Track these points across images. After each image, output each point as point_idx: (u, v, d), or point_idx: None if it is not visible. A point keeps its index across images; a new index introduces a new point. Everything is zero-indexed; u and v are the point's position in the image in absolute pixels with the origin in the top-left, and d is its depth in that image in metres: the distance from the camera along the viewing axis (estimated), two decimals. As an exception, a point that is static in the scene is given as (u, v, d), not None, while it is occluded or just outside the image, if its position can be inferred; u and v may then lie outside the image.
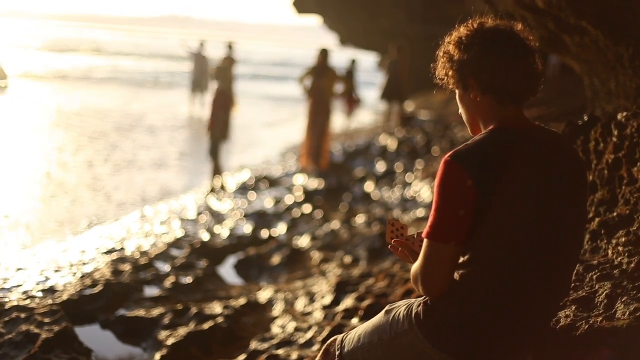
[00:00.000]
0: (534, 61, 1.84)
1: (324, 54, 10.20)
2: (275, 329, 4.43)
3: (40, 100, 18.16)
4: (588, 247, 2.77)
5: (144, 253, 5.89)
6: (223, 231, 6.95)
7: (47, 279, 5.05)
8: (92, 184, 8.94)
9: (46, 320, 4.07)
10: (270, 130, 15.86)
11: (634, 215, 2.71)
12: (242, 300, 4.87)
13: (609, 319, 2.08)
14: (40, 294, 4.66)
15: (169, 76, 30.01)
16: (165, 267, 5.58)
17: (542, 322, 1.92)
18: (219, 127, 8.93)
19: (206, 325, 4.32)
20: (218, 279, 5.60)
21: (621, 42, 3.96)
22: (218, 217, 7.53)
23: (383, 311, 2.05)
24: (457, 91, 1.95)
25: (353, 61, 16.03)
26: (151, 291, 5.08)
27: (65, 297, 4.62)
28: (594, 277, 2.42)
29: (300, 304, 4.78)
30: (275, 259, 6.04)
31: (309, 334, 4.08)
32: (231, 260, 6.23)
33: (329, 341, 2.21)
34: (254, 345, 4.09)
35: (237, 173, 10.24)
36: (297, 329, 4.26)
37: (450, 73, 1.90)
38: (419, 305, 1.91)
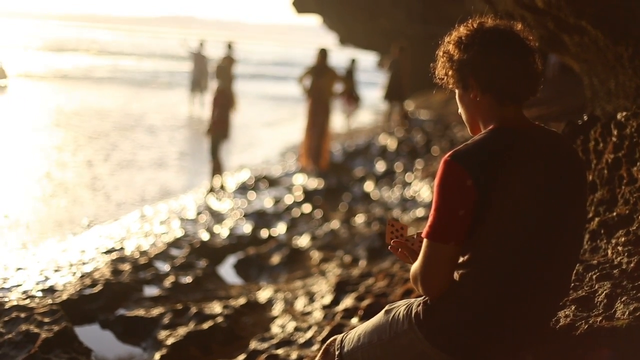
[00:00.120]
0: (533, 61, 1.84)
1: (323, 54, 10.20)
2: (275, 328, 4.43)
3: (40, 100, 18.16)
4: (588, 246, 2.77)
5: (143, 253, 5.89)
6: (223, 231, 6.95)
7: (47, 278, 5.06)
8: (92, 183, 8.94)
9: (46, 320, 4.07)
10: (270, 130, 15.85)
11: (633, 215, 2.71)
12: (241, 300, 4.87)
13: (608, 319, 2.08)
14: (40, 294, 4.66)
15: (168, 76, 30.00)
16: (165, 267, 5.58)
17: (542, 322, 1.91)
18: (219, 127, 8.93)
19: (206, 325, 4.32)
20: (218, 279, 5.60)
21: (621, 41, 3.97)
22: (218, 217, 7.53)
23: (383, 311, 2.05)
24: (457, 91, 1.94)
25: (353, 61, 16.02)
26: (151, 291, 5.09)
27: (65, 296, 4.63)
28: (594, 277, 2.42)
29: (300, 304, 4.78)
30: (275, 259, 6.04)
31: (309, 334, 4.08)
32: (231, 260, 6.24)
33: (328, 341, 2.21)
34: (253, 345, 4.09)
35: (237, 173, 10.24)
36: (296, 329, 4.26)
37: (450, 73, 1.90)
38: (418, 305, 1.91)
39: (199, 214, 7.61)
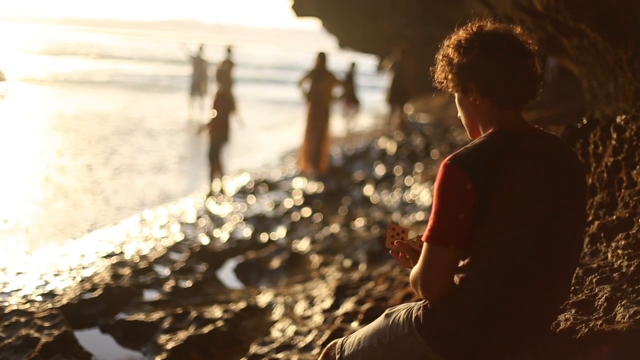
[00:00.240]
0: (533, 64, 1.84)
1: (322, 57, 10.21)
2: (275, 332, 4.42)
3: (40, 104, 18.16)
4: (588, 250, 2.77)
5: (143, 257, 5.89)
6: (223, 235, 6.94)
7: (46, 283, 5.05)
8: (92, 188, 8.94)
9: (46, 324, 4.06)
10: (270, 133, 15.85)
11: (633, 219, 2.71)
12: (241, 304, 4.86)
13: (608, 322, 2.08)
14: (40, 298, 4.66)
15: (168, 80, 30.02)
16: (164, 271, 5.58)
17: (542, 326, 1.91)
18: (219, 130, 8.93)
19: (206, 329, 4.32)
20: (218, 283, 5.59)
21: (620, 44, 3.97)
22: (217, 221, 7.52)
23: (383, 315, 2.05)
24: (456, 94, 1.95)
25: (353, 64, 16.03)
26: (151, 295, 5.08)
27: (65, 301, 4.62)
28: (594, 280, 2.42)
29: (300, 308, 4.78)
30: (275, 263, 6.03)
31: (309, 338, 4.07)
32: (231, 264, 6.23)
33: (329, 345, 2.21)
34: (253, 349, 4.09)
35: (237, 177, 10.24)
36: (297, 333, 4.26)
37: (449, 76, 1.90)
38: (419, 309, 1.90)
39: (198, 218, 7.61)
